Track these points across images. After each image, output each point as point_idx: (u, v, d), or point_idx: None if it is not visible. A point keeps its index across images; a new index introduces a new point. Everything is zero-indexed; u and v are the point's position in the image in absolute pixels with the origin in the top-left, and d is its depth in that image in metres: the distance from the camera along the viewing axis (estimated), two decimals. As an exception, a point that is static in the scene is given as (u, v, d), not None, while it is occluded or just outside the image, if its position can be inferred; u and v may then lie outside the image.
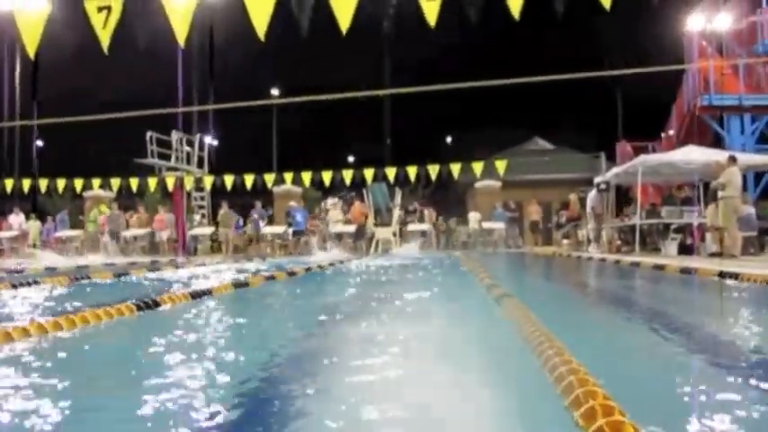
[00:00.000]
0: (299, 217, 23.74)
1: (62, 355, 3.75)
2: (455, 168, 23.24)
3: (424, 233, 24.96)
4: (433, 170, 23.28)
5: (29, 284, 8.70)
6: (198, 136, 25.54)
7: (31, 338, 4.10)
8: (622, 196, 22.31)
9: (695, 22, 22.59)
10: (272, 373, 3.29)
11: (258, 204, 25.19)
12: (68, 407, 2.50)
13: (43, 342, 4.07)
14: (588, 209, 19.68)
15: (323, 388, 2.81)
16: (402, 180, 24.18)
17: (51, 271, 13.10)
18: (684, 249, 15.98)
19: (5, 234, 25.52)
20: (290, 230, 23.91)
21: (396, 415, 2.39)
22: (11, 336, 4.04)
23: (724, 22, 22.35)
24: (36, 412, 2.41)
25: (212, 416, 2.38)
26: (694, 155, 17.08)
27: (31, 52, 10.79)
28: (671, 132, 25.74)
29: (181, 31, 9.21)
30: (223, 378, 3.01)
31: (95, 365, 3.55)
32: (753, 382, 2.89)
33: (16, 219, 25.89)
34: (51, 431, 2.18)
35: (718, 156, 15.32)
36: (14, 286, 8.34)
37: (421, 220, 25.31)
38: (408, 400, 2.63)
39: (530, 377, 2.91)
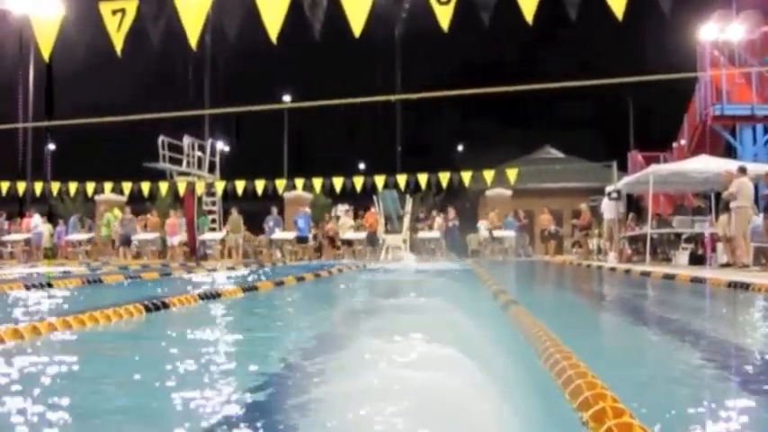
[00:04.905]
0: (300, 223, 23.61)
1: (69, 354, 3.76)
2: (466, 176, 23.17)
3: (434, 240, 24.87)
4: (444, 178, 23.22)
5: (41, 286, 8.75)
6: (209, 141, 25.58)
7: (39, 336, 4.12)
8: (633, 206, 22.22)
9: (708, 33, 22.50)
10: (278, 373, 3.28)
11: (274, 211, 25.18)
12: (70, 405, 2.51)
13: (52, 340, 4.09)
14: (607, 217, 19.49)
15: (331, 382, 2.80)
16: (413, 187, 24.10)
17: (65, 273, 13.17)
18: (695, 260, 15.88)
19: (17, 237, 25.60)
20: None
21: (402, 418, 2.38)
22: (21, 334, 4.06)
23: (737, 32, 22.26)
24: (36, 411, 2.42)
25: (213, 416, 2.38)
26: (706, 165, 16.98)
27: (46, 55, 10.85)
28: (682, 142, 25.64)
29: (193, 34, 9.25)
30: (228, 379, 3.01)
31: (101, 364, 3.56)
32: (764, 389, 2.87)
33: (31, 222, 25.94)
34: (52, 430, 2.18)
35: (729, 166, 15.22)
36: (27, 287, 8.40)
37: (431, 227, 25.25)
38: (414, 404, 2.61)
39: (537, 381, 2.90)
